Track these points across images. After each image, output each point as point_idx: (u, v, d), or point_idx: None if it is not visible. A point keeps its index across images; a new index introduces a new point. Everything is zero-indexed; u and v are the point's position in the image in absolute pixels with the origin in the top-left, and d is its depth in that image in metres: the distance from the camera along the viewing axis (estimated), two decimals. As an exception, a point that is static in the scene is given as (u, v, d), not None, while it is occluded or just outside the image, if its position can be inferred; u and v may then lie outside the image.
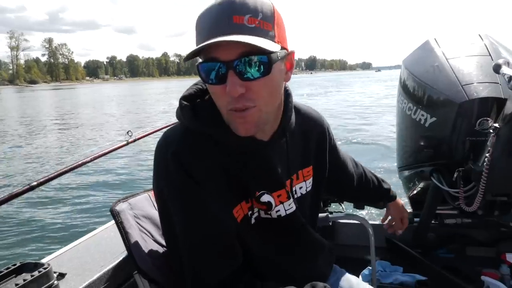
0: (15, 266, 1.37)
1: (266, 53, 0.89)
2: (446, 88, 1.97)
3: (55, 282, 1.38)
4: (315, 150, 1.34)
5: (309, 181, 1.31)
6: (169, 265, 1.30)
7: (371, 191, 1.69)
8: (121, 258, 1.62)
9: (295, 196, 1.24)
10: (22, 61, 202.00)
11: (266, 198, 1.11)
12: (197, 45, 0.91)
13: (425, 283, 2.09)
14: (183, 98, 1.07)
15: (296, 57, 1.08)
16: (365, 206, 2.02)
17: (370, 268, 2.14)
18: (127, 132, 2.29)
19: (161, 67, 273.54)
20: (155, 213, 1.47)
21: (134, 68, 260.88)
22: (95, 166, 9.87)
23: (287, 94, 1.14)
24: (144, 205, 1.47)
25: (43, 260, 1.52)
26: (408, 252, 2.31)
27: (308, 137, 1.31)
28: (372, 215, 4.63)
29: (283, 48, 0.96)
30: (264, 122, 1.02)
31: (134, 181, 8.98)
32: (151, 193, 1.55)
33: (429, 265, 2.18)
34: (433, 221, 2.24)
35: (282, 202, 1.16)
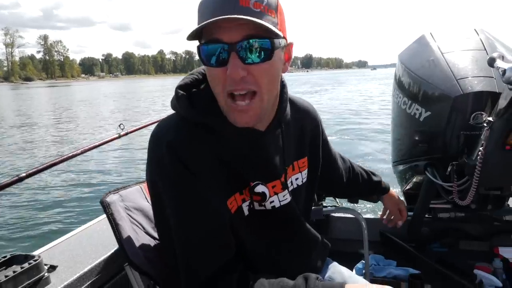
0: (5, 258, 1.37)
1: (269, 37, 0.91)
2: (441, 83, 1.97)
3: (46, 274, 1.37)
4: (309, 142, 1.34)
5: (305, 172, 1.31)
6: (161, 257, 1.29)
7: (360, 185, 1.70)
8: (112, 251, 1.61)
9: (291, 188, 1.24)
10: (17, 58, 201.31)
11: (260, 188, 1.11)
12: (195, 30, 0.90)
13: (419, 277, 2.09)
14: (179, 87, 1.06)
15: (292, 54, 1.09)
16: (360, 200, 2.01)
17: (364, 262, 2.14)
18: (119, 125, 2.27)
19: (157, 65, 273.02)
20: (147, 205, 1.46)
21: (130, 65, 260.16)
22: (88, 159, 9.89)
23: (283, 85, 1.14)
24: (136, 197, 1.46)
25: (34, 253, 1.52)
26: (401, 246, 2.31)
27: (302, 129, 1.31)
28: (366, 209, 4.65)
29: (283, 37, 0.97)
30: (264, 113, 1.03)
31: (126, 174, 9.00)
32: (143, 185, 1.54)
33: (422, 259, 2.19)
34: (426, 215, 2.24)
35: (276, 193, 1.15)
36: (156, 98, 39.11)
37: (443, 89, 1.94)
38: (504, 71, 1.54)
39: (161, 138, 1.00)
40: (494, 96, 1.79)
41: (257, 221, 1.12)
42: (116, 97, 42.65)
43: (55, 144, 13.39)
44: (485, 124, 1.68)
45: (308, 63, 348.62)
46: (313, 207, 1.47)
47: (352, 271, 1.59)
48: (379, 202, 1.81)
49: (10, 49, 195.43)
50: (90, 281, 1.49)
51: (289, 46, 1.04)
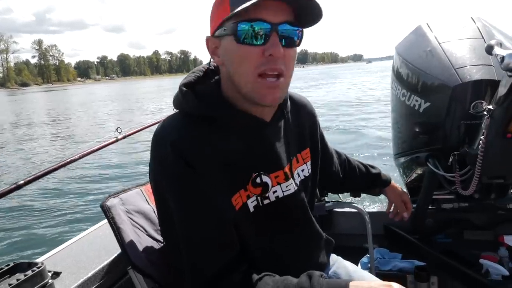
0: (8, 267, 1.36)
1: (299, 27, 0.99)
2: (439, 73, 1.95)
3: (50, 281, 1.36)
4: (308, 134, 1.35)
5: (309, 163, 1.32)
6: (164, 259, 1.29)
7: (358, 178, 1.70)
8: (115, 255, 1.61)
9: (298, 179, 1.25)
10: (12, 64, 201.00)
11: (263, 179, 1.11)
12: (233, 7, 0.93)
13: (424, 269, 2.09)
14: (183, 85, 1.07)
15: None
16: (362, 194, 2.00)
17: (369, 256, 2.13)
18: (116, 129, 2.26)
19: (153, 65, 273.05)
20: (148, 208, 1.46)
21: (126, 67, 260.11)
22: (86, 163, 9.86)
23: None
24: (136, 200, 1.46)
25: (37, 260, 1.51)
26: (406, 239, 2.30)
27: (301, 121, 1.32)
28: (369, 203, 4.64)
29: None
30: (283, 97, 1.08)
31: (126, 177, 8.99)
32: (143, 188, 1.54)
33: (427, 250, 2.18)
34: (430, 207, 2.23)
35: (279, 183, 1.15)
36: (154, 99, 39.15)
37: (441, 79, 1.93)
38: (503, 58, 1.53)
39: (165, 138, 1.00)
40: (493, 84, 1.78)
41: (262, 217, 1.12)
42: (113, 100, 42.60)
43: (53, 149, 13.38)
44: (485, 113, 1.67)
45: (303, 58, 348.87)
46: (315, 203, 1.46)
47: (357, 265, 1.59)
48: (382, 196, 1.80)
49: (5, 55, 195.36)
50: (94, 286, 1.49)
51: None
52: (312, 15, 1.00)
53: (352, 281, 0.90)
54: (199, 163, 0.97)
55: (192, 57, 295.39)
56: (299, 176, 1.26)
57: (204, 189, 0.98)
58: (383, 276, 2.18)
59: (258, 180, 1.10)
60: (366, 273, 1.46)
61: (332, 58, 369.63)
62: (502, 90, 1.59)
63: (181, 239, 1.01)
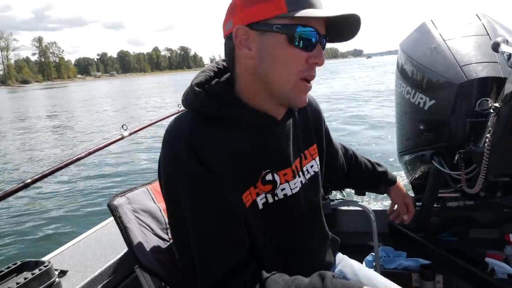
0: (16, 265, 1.37)
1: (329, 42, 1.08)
2: (445, 70, 1.95)
3: (57, 279, 1.37)
4: (314, 130, 1.35)
5: (317, 159, 1.33)
6: (171, 258, 1.29)
7: (364, 175, 1.69)
8: (122, 253, 1.61)
9: (308, 176, 1.26)
10: (12, 62, 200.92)
11: (271, 176, 1.11)
12: (291, 8, 0.95)
13: (429, 267, 2.09)
14: (196, 85, 1.06)
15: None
16: (367, 192, 2.00)
17: (374, 254, 2.13)
18: (122, 126, 2.25)
19: (153, 62, 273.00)
20: (154, 207, 1.46)
21: (126, 64, 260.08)
22: (92, 161, 9.86)
23: None
24: (143, 199, 1.46)
25: (44, 258, 1.51)
26: (411, 237, 2.29)
27: (308, 118, 1.33)
28: (373, 201, 4.64)
29: None
30: None
31: (132, 175, 8.97)
32: (150, 187, 1.54)
33: (432, 249, 2.17)
34: (435, 205, 2.22)
35: (287, 181, 1.16)
36: (156, 95, 39.19)
37: (447, 77, 1.92)
38: (509, 56, 1.52)
39: (179, 134, 0.99)
40: (499, 82, 1.78)
41: (270, 214, 1.12)
42: (115, 97, 42.59)
43: (57, 147, 13.37)
44: (491, 111, 1.66)
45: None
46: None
47: (362, 263, 1.58)
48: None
49: (5, 53, 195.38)
50: (101, 285, 1.49)
51: None
52: (341, 37, 1.07)
53: (365, 287, 0.91)
54: (212, 161, 0.96)
55: (192, 53, 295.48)
56: (308, 172, 1.27)
57: (216, 186, 0.97)
58: (388, 274, 2.17)
59: (267, 178, 1.10)
60: (371, 272, 1.46)
61: (332, 54, 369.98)
62: (509, 87, 1.59)
63: (192, 236, 1.00)
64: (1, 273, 1.31)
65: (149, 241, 1.31)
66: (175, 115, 1.15)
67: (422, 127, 2.16)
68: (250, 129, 1.07)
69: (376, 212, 2.03)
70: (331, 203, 2.22)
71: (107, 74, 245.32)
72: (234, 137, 1.03)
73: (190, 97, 1.05)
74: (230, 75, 1.12)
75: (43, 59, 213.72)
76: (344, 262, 1.48)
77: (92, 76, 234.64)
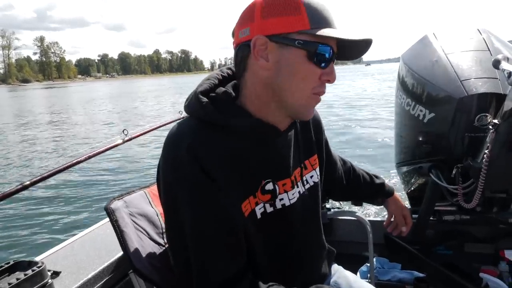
0: (8, 265, 1.35)
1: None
2: (445, 84, 1.95)
3: (49, 280, 1.36)
4: (315, 140, 1.35)
5: (318, 169, 1.33)
6: (166, 263, 1.28)
7: (362, 187, 1.69)
8: (116, 256, 1.60)
9: (307, 186, 1.26)
10: (13, 60, 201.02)
11: (270, 186, 1.11)
12: (314, 25, 0.96)
13: (424, 280, 2.08)
14: (200, 93, 1.06)
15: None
16: (364, 203, 2.00)
17: (368, 264, 2.13)
18: (123, 131, 2.26)
19: (153, 64, 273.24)
20: (151, 211, 1.46)
21: (126, 65, 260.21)
22: (90, 165, 9.80)
23: None
24: (140, 203, 1.45)
25: (37, 259, 1.50)
26: (406, 249, 2.29)
27: (309, 128, 1.33)
28: (370, 211, 4.63)
29: None
30: None
31: (129, 179, 8.93)
32: (147, 190, 1.53)
33: (427, 262, 2.17)
34: (431, 218, 2.22)
35: (286, 191, 1.16)
36: (157, 98, 39.20)
37: (447, 91, 1.93)
38: (510, 74, 1.52)
39: (181, 139, 0.99)
40: (498, 98, 1.78)
41: (268, 224, 1.11)
42: (116, 99, 42.49)
43: (57, 149, 13.31)
44: (490, 127, 1.66)
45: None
46: None
47: (356, 274, 1.58)
48: None
49: (7, 51, 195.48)
50: None
51: None
52: (349, 56, 1.08)
53: None
54: (214, 169, 0.96)
55: (192, 56, 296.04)
56: (307, 182, 1.27)
57: (216, 194, 0.97)
58: (382, 286, 2.18)
59: (267, 187, 1.10)
60: (366, 284, 1.46)
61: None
62: (508, 104, 1.59)
63: (190, 244, 1.00)
64: (-7, 273, 1.30)
65: (145, 246, 1.31)
66: (176, 121, 1.15)
67: (421, 139, 2.17)
68: (253, 138, 1.06)
69: (372, 222, 2.03)
70: (328, 212, 2.22)
71: (108, 75, 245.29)
72: (236, 145, 1.03)
73: (194, 105, 1.05)
74: (235, 83, 1.12)
75: (44, 59, 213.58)
76: (339, 273, 1.47)
77: (92, 77, 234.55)
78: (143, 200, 1.47)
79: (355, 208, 2.54)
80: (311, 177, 1.29)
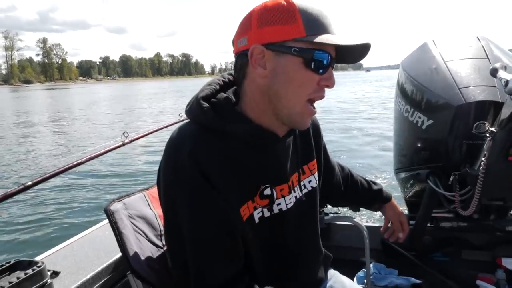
0: (9, 264, 1.36)
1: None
2: (444, 91, 1.97)
3: (49, 280, 1.37)
4: (314, 145, 1.36)
5: (316, 174, 1.34)
6: (164, 265, 1.29)
7: (359, 193, 1.69)
8: (115, 258, 1.61)
9: (305, 191, 1.27)
10: (16, 61, 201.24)
11: (269, 191, 1.12)
12: (310, 32, 0.97)
13: (420, 286, 2.09)
14: (202, 98, 1.07)
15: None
16: (361, 208, 2.00)
17: (365, 270, 2.13)
18: (123, 133, 2.27)
19: (154, 67, 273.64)
20: (150, 213, 1.46)
21: (127, 68, 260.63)
22: (90, 166, 9.79)
23: None
24: (139, 205, 1.46)
25: (37, 258, 1.51)
26: (403, 255, 2.30)
27: (308, 133, 1.34)
28: (367, 217, 4.63)
29: None
30: None
31: (129, 182, 8.91)
32: (147, 193, 1.54)
33: (424, 268, 2.17)
34: (429, 224, 2.23)
35: (283, 196, 1.17)
36: (158, 100, 39.20)
37: (445, 98, 1.94)
38: (507, 82, 1.53)
39: (182, 144, 1.01)
40: (496, 106, 1.79)
41: (265, 229, 1.12)
42: (117, 101, 42.46)
43: (58, 151, 13.29)
44: (487, 134, 1.68)
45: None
46: None
47: (353, 279, 1.59)
48: None
49: (9, 52, 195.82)
50: None
51: None
52: (348, 60, 1.09)
53: None
54: (214, 175, 0.97)
55: (193, 60, 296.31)
56: (305, 187, 1.28)
57: (215, 198, 0.98)
58: (379, 292, 2.18)
59: (265, 192, 1.11)
60: (362, 290, 1.46)
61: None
62: (505, 113, 1.60)
63: (188, 246, 1.01)
64: (-6, 271, 1.31)
65: (143, 248, 1.32)
66: (176, 124, 1.16)
67: (419, 146, 2.18)
68: (253, 144, 1.07)
69: (369, 228, 2.03)
70: (325, 217, 2.22)
71: (109, 77, 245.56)
72: (236, 151, 1.04)
73: (195, 110, 1.06)
74: (236, 89, 1.13)
75: (46, 60, 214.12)
76: (336, 278, 1.48)
77: (93, 79, 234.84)
78: (142, 202, 1.48)
79: (352, 213, 2.55)
80: (309, 182, 1.30)
